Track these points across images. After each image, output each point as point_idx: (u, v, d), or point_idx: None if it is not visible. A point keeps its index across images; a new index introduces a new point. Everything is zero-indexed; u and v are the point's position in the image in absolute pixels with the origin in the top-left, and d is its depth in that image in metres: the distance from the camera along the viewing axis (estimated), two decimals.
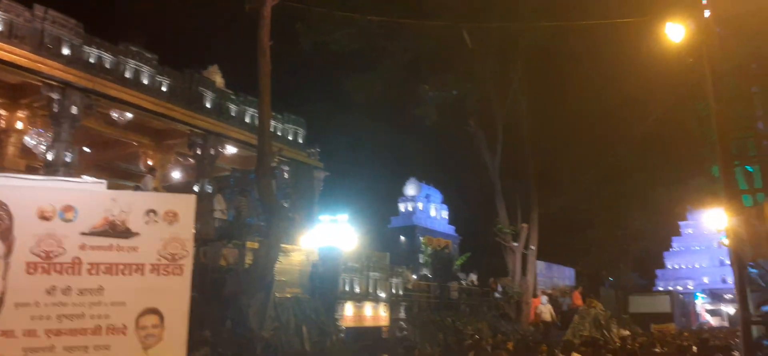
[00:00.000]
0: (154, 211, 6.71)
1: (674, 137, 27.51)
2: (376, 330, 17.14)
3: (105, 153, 19.12)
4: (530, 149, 26.47)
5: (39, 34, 14.08)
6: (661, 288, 50.39)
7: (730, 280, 22.88)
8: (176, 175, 20.29)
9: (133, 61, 16.27)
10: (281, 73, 18.28)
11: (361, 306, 16.52)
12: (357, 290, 16.53)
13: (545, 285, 30.76)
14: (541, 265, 28.27)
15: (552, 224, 29.57)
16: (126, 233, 6.54)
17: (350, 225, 18.19)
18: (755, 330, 13.91)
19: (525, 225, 25.70)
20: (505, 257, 26.12)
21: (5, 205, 5.76)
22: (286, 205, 19.03)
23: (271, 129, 17.98)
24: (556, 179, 28.95)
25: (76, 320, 6.06)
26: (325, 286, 15.79)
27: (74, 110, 14.51)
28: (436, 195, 44.93)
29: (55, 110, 14.35)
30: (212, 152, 18.18)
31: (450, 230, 44.59)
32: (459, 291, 25.80)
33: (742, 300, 11.50)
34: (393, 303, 17.88)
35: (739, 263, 11.60)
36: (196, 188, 17.52)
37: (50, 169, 14.11)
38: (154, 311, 6.48)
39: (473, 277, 28.27)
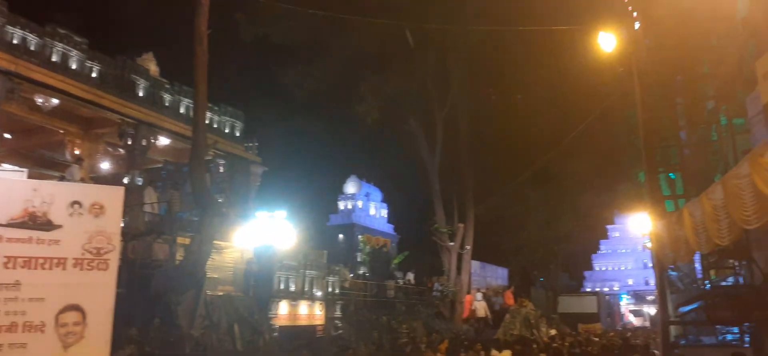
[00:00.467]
0: (79, 203, 6.47)
1: (604, 143, 28.64)
2: (310, 329, 17.00)
3: (28, 140, 18.10)
4: (468, 150, 26.96)
5: None
6: (588, 289, 52.46)
7: (653, 282, 24.02)
8: (105, 166, 19.48)
9: (60, 44, 15.54)
10: (219, 63, 17.89)
11: (296, 304, 16.34)
12: (293, 288, 16.35)
13: (479, 284, 31.43)
14: (475, 264, 28.86)
15: (487, 225, 30.29)
16: (47, 225, 6.27)
17: (288, 222, 17.95)
18: (673, 330, 14.65)
19: (461, 225, 26.15)
20: (442, 257, 26.50)
21: None
22: (220, 200, 18.60)
23: (207, 121, 17.56)
24: (492, 180, 29.63)
25: None
26: (259, 284, 15.52)
27: None
28: (377, 193, 45.10)
29: None
30: (144, 142, 17.57)
31: (389, 228, 44.89)
32: (396, 289, 26.01)
33: (661, 302, 12.09)
34: (329, 301, 17.79)
35: (660, 267, 12.17)
36: (125, 180, 16.92)
37: None
38: (76, 308, 6.25)
39: (411, 276, 28.55)
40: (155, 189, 18.86)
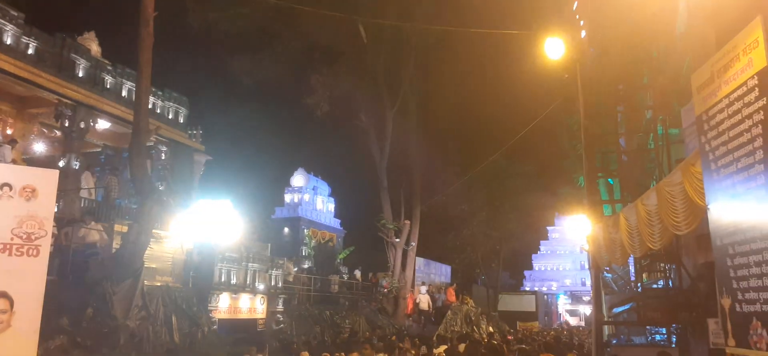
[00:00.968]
0: (9, 185, 6.18)
1: (547, 146, 29.49)
2: (251, 323, 16.73)
3: None
4: (416, 147, 27.16)
5: None
6: (528, 288, 53.88)
7: (589, 283, 24.86)
8: (39, 148, 18.63)
9: None
10: (165, 47, 17.36)
11: (237, 297, 16.05)
12: (234, 281, 16.04)
13: (424, 280, 31.72)
14: (420, 261, 29.09)
15: (432, 222, 30.64)
16: None
17: (231, 213, 17.61)
18: (606, 330, 15.19)
19: (407, 222, 26.34)
20: (387, 253, 26.63)
21: None
22: (161, 187, 18.10)
23: (150, 105, 17.01)
24: (439, 179, 30.00)
25: None
26: (199, 276, 15.17)
27: None
28: (324, 187, 44.86)
29: None
30: (82, 125, 16.85)
31: (336, 223, 44.73)
32: (340, 284, 25.96)
33: (596, 302, 12.49)
34: (271, 295, 17.55)
35: (596, 268, 12.59)
36: (61, 164, 16.21)
37: None
38: (3, 295, 5.97)
39: (357, 273, 28.57)
40: (93, 174, 18.20)
